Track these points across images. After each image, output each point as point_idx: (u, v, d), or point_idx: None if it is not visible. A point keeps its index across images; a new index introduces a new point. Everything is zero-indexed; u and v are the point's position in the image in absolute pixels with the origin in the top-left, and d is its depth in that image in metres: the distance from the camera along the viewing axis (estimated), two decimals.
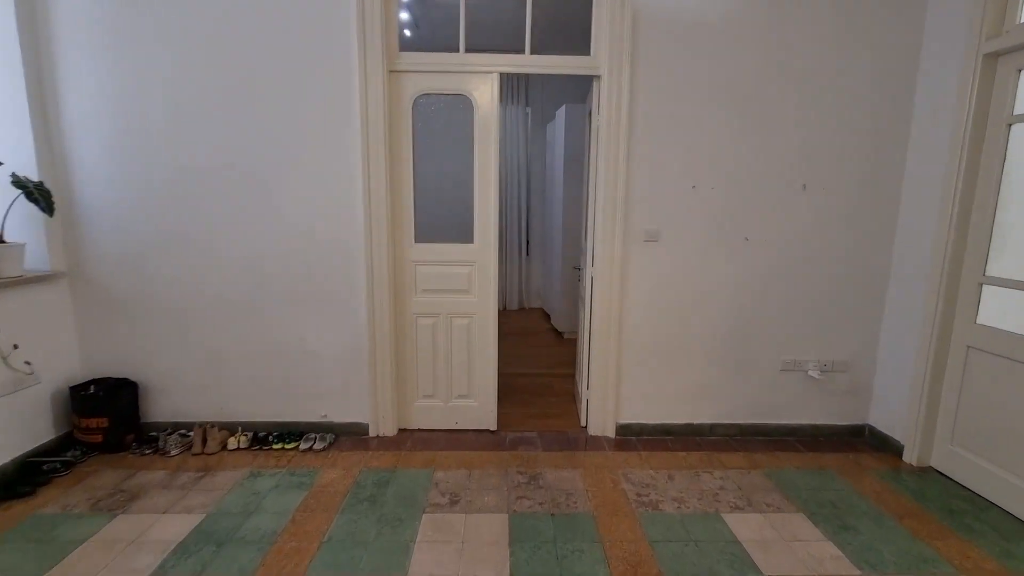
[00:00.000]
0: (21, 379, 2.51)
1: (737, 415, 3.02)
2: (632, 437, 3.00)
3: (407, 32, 4.78)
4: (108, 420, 2.68)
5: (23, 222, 2.59)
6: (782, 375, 2.98)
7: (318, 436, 2.87)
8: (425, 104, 2.81)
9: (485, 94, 2.78)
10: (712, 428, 3.02)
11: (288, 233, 2.79)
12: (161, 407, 2.93)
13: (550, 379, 3.96)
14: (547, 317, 6.08)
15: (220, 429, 2.85)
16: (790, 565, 1.94)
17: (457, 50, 2.77)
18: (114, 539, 2.04)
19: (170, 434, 2.79)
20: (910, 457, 2.72)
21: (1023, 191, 2.32)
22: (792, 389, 3.00)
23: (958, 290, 2.51)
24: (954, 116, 2.47)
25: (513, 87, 6.06)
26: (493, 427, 3.05)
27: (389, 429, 2.97)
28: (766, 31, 2.67)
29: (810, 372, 2.96)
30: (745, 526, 2.18)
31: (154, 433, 2.85)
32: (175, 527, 2.12)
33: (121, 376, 2.87)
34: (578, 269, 3.45)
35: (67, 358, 2.79)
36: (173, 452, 2.71)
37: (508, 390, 3.69)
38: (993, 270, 2.40)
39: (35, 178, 2.55)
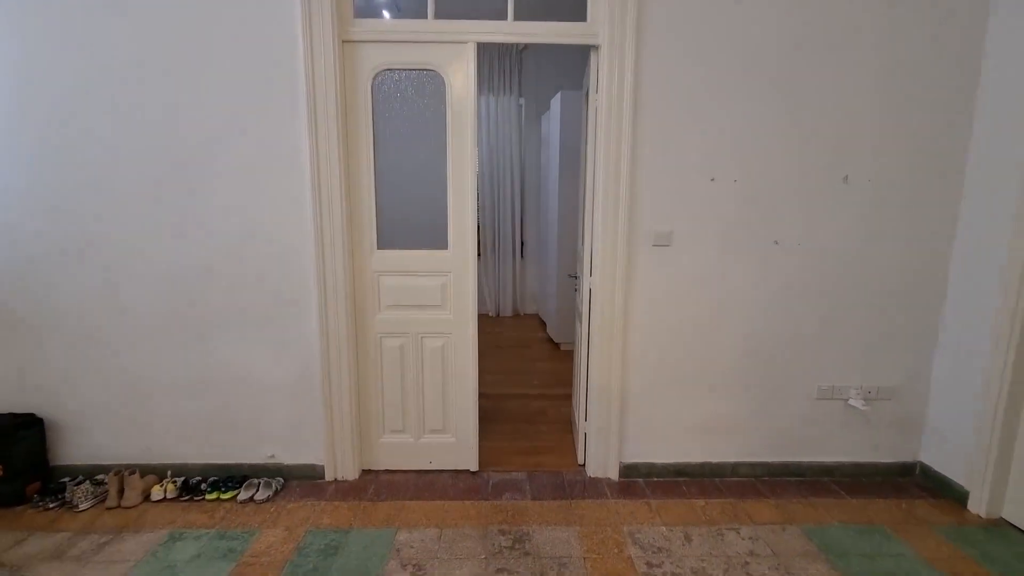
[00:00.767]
0: None
1: (764, 452, 2.53)
2: (639, 479, 2.52)
3: (386, 14, 4.29)
4: (2, 467, 2.20)
5: None
6: (818, 404, 2.50)
7: (262, 482, 2.39)
8: (388, 82, 2.33)
9: (460, 70, 2.30)
10: (734, 468, 2.54)
11: (224, 238, 2.31)
12: (77, 448, 2.44)
13: (543, 402, 3.48)
14: (543, 325, 5.60)
15: (144, 475, 2.37)
16: None
17: (425, 16, 2.29)
18: None
19: (80, 483, 2.30)
20: (977, 507, 2.24)
21: None
22: (830, 420, 2.51)
23: None
24: None
25: (504, 74, 5.57)
26: (473, 467, 2.57)
27: (349, 471, 2.49)
28: None
29: (851, 400, 2.48)
30: None
31: (66, 479, 2.37)
32: None
33: (25, 411, 2.39)
34: (574, 277, 2.97)
35: None
36: (83, 505, 2.23)
37: (494, 416, 3.21)
38: None
39: None
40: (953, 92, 2.26)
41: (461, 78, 2.31)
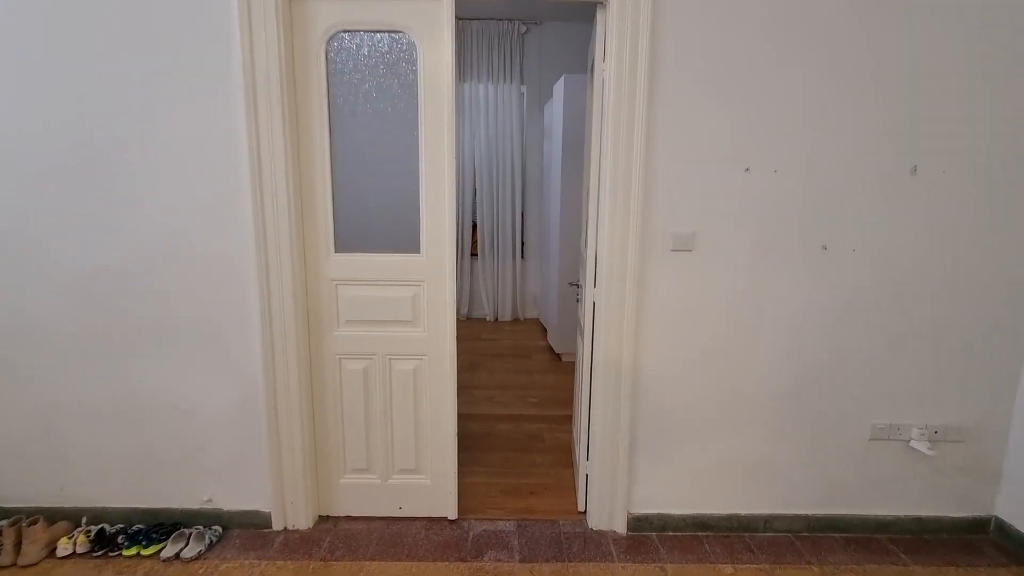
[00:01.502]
0: None
1: (805, 503, 2.09)
2: (651, 534, 2.08)
3: None
4: None
5: None
6: (872, 446, 2.05)
7: (194, 533, 1.97)
8: (346, 48, 1.90)
9: (435, 32, 1.86)
10: (768, 521, 2.09)
11: (147, 239, 1.90)
12: None
13: (540, 424, 3.05)
14: (544, 332, 5.17)
15: (55, 522, 1.98)
16: None
17: None
18: None
19: None
20: None
21: None
22: (886, 466, 2.06)
23: None
24: None
25: (503, 59, 5.11)
26: (452, 514, 2.14)
27: (301, 519, 2.07)
28: None
29: (913, 442, 2.03)
30: None
31: None
32: None
33: None
34: (576, 285, 2.53)
35: None
36: None
37: (483, 444, 2.78)
38: None
39: None
40: None
41: (437, 42, 1.87)
